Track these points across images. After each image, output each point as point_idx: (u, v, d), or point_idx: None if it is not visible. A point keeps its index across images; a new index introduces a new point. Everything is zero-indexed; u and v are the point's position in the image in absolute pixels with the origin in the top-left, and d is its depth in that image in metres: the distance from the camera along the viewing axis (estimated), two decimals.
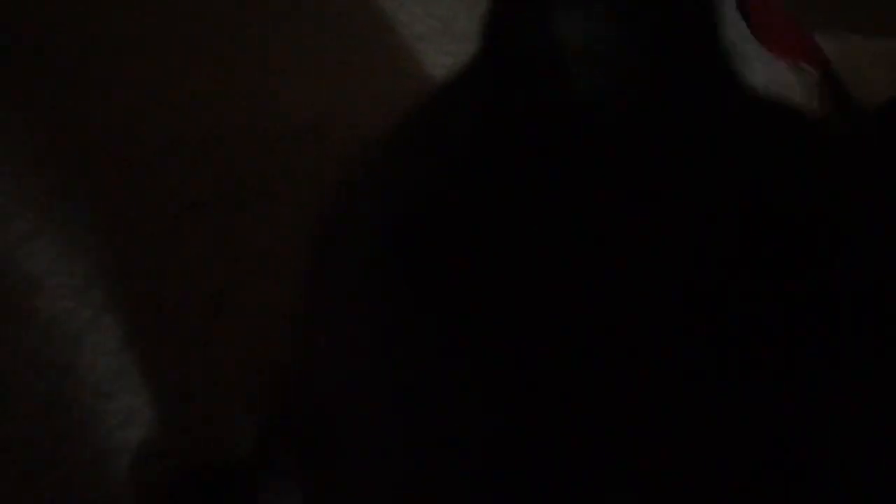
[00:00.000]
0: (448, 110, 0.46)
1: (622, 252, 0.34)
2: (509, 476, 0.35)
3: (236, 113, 0.70)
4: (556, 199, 0.35)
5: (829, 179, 0.40)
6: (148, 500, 0.57)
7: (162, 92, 0.70)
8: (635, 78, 0.34)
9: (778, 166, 0.37)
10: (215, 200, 0.66)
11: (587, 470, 0.33)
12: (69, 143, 0.69)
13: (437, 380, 0.36)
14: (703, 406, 0.32)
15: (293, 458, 0.50)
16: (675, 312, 0.33)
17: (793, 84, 1.14)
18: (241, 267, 0.66)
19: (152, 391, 0.63)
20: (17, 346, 0.62)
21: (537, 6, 0.35)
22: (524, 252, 0.35)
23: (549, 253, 0.35)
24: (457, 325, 0.35)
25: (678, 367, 0.33)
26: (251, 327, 0.65)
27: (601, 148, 0.36)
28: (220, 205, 0.66)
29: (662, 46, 0.35)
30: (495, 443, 0.35)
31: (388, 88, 0.77)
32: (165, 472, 0.59)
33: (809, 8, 1.27)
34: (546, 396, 0.34)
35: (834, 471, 0.32)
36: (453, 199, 0.38)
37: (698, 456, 0.33)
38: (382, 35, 0.78)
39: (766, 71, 1.11)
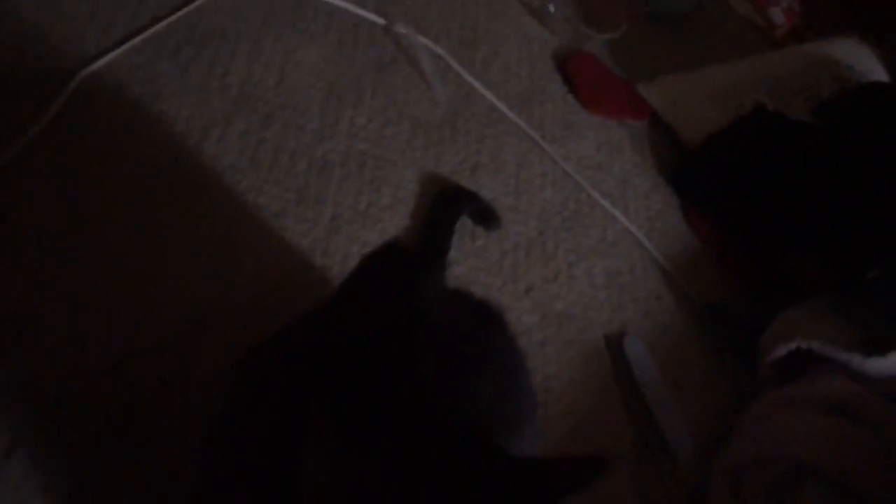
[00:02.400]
0: None
1: None
2: None
3: (135, 325, 0.77)
4: None
5: None
6: None
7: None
8: None
9: None
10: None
11: None
12: None
13: None
14: None
15: None
16: None
17: (622, 139, 1.28)
18: None
19: None
20: None
21: None
22: None
23: None
24: None
25: None
26: None
27: None
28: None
29: None
30: None
31: (256, 271, 0.86)
32: None
33: (629, 60, 1.41)
34: None
35: None
36: None
37: None
38: (245, 222, 0.88)
39: (596, 136, 1.25)
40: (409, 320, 0.56)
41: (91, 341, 0.75)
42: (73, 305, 0.76)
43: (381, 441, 0.45)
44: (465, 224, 1.03)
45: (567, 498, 0.45)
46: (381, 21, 1.18)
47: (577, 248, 1.11)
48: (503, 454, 0.49)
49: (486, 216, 1.04)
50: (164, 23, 1.00)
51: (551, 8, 1.35)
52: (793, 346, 1.00)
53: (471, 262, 1.01)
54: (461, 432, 0.48)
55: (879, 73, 1.56)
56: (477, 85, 1.20)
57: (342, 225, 0.95)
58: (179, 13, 1.02)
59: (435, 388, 0.53)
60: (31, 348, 0.73)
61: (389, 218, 0.99)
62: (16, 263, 0.77)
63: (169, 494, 0.68)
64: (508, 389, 0.64)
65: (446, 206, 1.02)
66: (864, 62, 1.59)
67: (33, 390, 0.71)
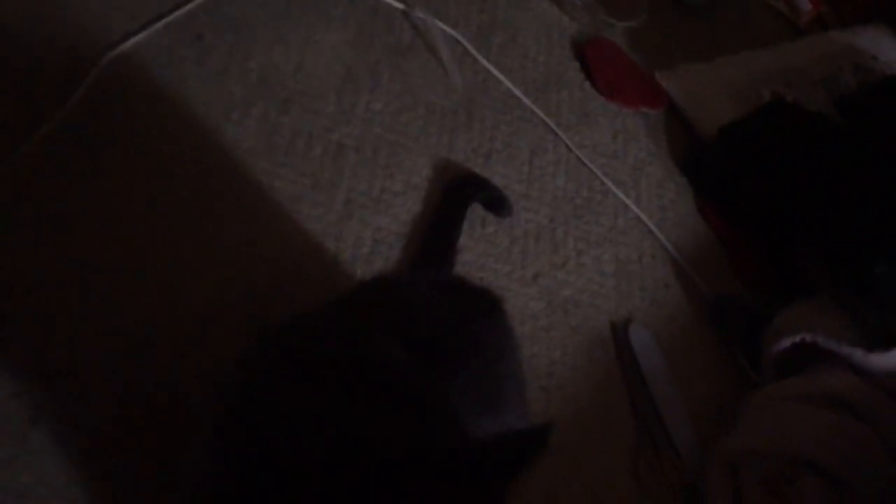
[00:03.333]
0: None
1: None
2: None
3: (152, 309, 0.79)
4: None
5: None
6: None
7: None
8: None
9: None
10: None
11: None
12: None
13: None
14: None
15: None
16: None
17: (638, 128, 1.29)
18: None
19: None
20: None
21: None
22: None
23: None
24: None
25: None
26: None
27: None
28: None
29: None
30: None
31: (271, 254, 0.88)
32: None
33: (650, 48, 1.41)
34: None
35: None
36: None
37: None
38: (261, 206, 0.90)
39: (612, 124, 1.26)
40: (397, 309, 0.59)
41: (106, 323, 0.78)
42: (88, 285, 0.79)
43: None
44: (476, 211, 1.05)
45: (521, 471, 0.47)
46: (400, 6, 1.19)
47: (587, 236, 1.12)
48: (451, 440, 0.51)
49: (498, 204, 1.06)
50: (187, 7, 1.02)
51: None
52: (797, 339, 1.01)
53: (481, 249, 1.03)
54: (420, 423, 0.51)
55: None
56: (494, 71, 1.21)
57: (355, 210, 0.98)
58: None
59: (409, 373, 0.56)
60: (49, 327, 0.77)
61: (402, 203, 1.01)
62: (38, 242, 0.80)
63: (182, 477, 0.72)
64: (493, 375, 0.67)
65: (458, 193, 1.04)
66: (890, 52, 1.57)
67: (53, 369, 0.75)
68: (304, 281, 0.88)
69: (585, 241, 1.12)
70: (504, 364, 0.70)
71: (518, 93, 1.20)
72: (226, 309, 0.83)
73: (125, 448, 0.73)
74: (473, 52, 1.21)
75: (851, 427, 0.94)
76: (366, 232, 0.97)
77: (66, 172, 0.85)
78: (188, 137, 0.93)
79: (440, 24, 1.19)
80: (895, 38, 1.59)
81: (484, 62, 1.21)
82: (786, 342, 1.02)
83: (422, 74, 1.15)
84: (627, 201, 1.19)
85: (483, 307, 0.73)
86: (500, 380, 0.68)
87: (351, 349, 0.58)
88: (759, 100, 1.36)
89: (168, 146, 0.91)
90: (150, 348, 0.78)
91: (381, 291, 0.72)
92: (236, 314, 0.83)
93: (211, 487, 0.53)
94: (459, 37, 1.21)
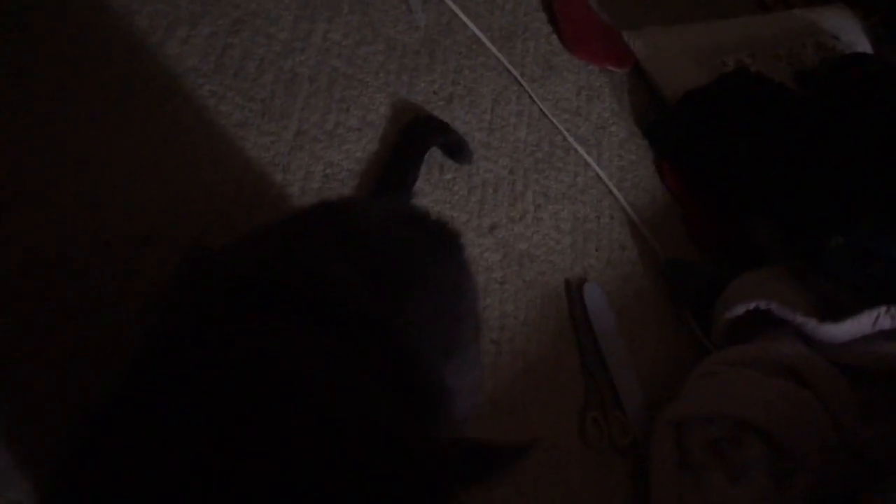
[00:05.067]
0: None
1: None
2: None
3: (80, 229, 0.72)
4: None
5: None
6: None
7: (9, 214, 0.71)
8: None
9: None
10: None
11: None
12: None
13: None
14: None
15: None
16: None
17: (603, 86, 1.25)
18: None
19: None
20: None
21: None
22: None
23: None
24: None
25: None
26: None
27: None
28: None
29: None
30: None
31: (213, 180, 0.81)
32: None
33: (618, 7, 1.37)
34: None
35: None
36: None
37: None
38: (205, 129, 0.83)
39: (577, 80, 1.22)
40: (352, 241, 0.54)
41: (35, 244, 0.71)
42: (14, 206, 0.72)
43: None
44: (434, 155, 1.00)
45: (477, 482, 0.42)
46: None
47: (546, 191, 1.09)
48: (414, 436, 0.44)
49: (458, 149, 1.01)
50: None
51: None
52: (751, 305, 1.00)
53: (437, 195, 0.99)
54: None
55: (864, 46, 1.54)
56: (459, 13, 1.15)
57: (306, 142, 0.92)
58: None
59: (366, 306, 0.51)
60: None
61: (356, 140, 0.96)
62: None
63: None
64: (449, 311, 0.63)
65: (417, 134, 0.99)
66: (850, 33, 1.58)
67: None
68: (247, 209, 0.82)
69: (544, 195, 1.08)
70: (462, 302, 0.66)
71: (484, 38, 1.15)
72: (162, 231, 0.77)
73: (58, 378, 0.66)
74: None
75: (798, 395, 0.93)
76: (317, 166, 0.91)
77: None
78: (127, 50, 0.85)
79: None
80: (856, 20, 1.60)
81: (450, 3, 1.15)
82: (740, 308, 1.01)
83: (383, 8, 1.08)
84: (589, 159, 1.15)
85: (441, 239, 0.69)
86: (458, 319, 0.64)
87: (297, 271, 0.53)
88: (723, 68, 1.35)
89: (105, 57, 0.83)
90: (83, 270, 0.71)
91: (331, 214, 0.66)
92: (173, 237, 0.77)
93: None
94: None
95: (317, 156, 0.91)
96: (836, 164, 1.14)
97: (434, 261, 0.64)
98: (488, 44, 1.15)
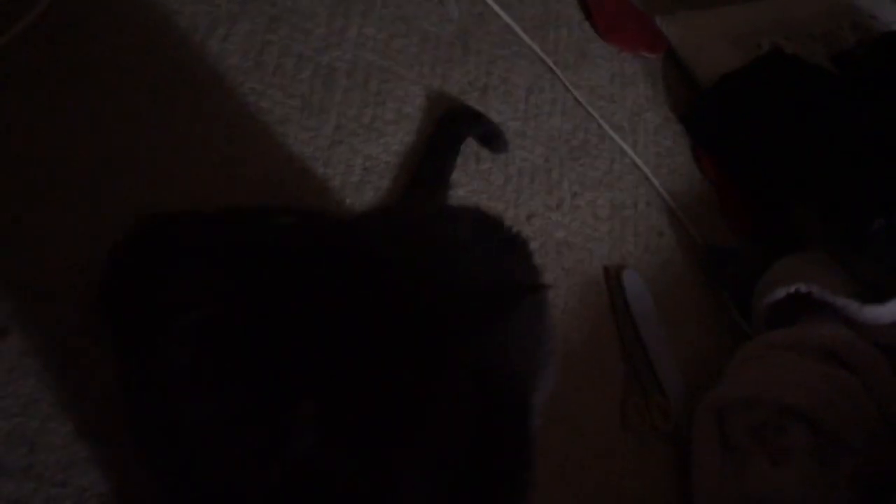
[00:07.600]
0: None
1: None
2: None
3: (121, 221, 0.74)
4: None
5: None
6: None
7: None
8: None
9: None
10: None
11: None
12: None
13: None
14: None
15: None
16: None
17: (636, 72, 1.25)
18: None
19: None
20: None
21: None
22: None
23: None
24: None
25: None
26: None
27: None
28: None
29: None
30: None
31: (254, 176, 0.83)
32: None
33: None
34: None
35: None
36: None
37: None
38: (246, 126, 0.85)
39: (610, 66, 1.22)
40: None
41: (77, 235, 0.73)
42: (59, 204, 0.74)
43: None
44: (470, 145, 1.01)
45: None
46: None
47: (582, 179, 1.09)
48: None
49: (493, 139, 1.02)
50: None
51: None
52: (792, 289, 0.99)
53: (474, 185, 1.00)
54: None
55: None
56: (492, 3, 1.15)
57: (345, 136, 0.93)
58: None
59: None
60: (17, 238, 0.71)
61: (393, 133, 0.97)
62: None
63: None
64: (535, 326, 0.63)
65: (453, 125, 1.00)
66: (887, 13, 1.55)
67: (30, 276, 0.70)
68: (289, 204, 0.84)
69: (580, 183, 1.09)
70: (544, 317, 0.66)
71: (516, 28, 1.16)
72: None
73: (92, 358, 0.68)
74: None
75: (841, 378, 0.93)
76: (356, 159, 0.92)
77: (39, 76, 0.78)
78: (170, 49, 0.87)
79: None
80: None
81: None
82: (780, 292, 1.00)
83: (416, 1, 1.09)
84: (625, 146, 1.15)
85: (515, 249, 0.69)
86: (544, 332, 0.64)
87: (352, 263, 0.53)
88: (758, 50, 1.33)
89: (148, 56, 0.85)
90: None
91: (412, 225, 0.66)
92: None
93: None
94: None
95: (356, 149, 0.93)
96: (877, 146, 1.13)
97: (512, 272, 0.64)
98: (521, 33, 1.16)
